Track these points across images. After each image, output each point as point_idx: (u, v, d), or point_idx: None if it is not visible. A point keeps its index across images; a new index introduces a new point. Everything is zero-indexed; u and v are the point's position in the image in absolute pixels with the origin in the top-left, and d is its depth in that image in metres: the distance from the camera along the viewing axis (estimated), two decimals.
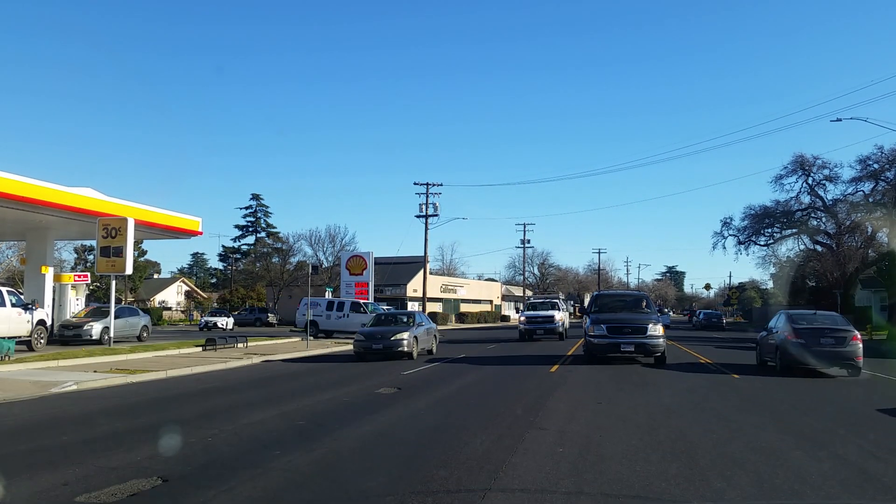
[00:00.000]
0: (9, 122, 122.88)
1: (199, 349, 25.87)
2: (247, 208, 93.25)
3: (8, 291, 22.46)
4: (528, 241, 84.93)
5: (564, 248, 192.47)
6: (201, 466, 7.49)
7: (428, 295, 61.31)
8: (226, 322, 52.46)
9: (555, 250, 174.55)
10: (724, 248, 61.89)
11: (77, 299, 32.00)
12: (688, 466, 7.31)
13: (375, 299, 50.47)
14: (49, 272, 29.37)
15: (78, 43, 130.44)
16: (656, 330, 19.28)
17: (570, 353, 24.90)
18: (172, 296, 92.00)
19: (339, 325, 37.36)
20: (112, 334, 25.69)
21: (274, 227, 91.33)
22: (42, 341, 23.39)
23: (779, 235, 60.29)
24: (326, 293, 41.09)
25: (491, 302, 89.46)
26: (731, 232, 60.87)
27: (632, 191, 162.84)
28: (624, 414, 10.99)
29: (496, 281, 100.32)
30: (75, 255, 67.53)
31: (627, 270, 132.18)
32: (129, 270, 25.29)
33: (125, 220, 24.96)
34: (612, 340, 19.24)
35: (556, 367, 19.42)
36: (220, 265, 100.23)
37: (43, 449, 8.48)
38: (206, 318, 54.16)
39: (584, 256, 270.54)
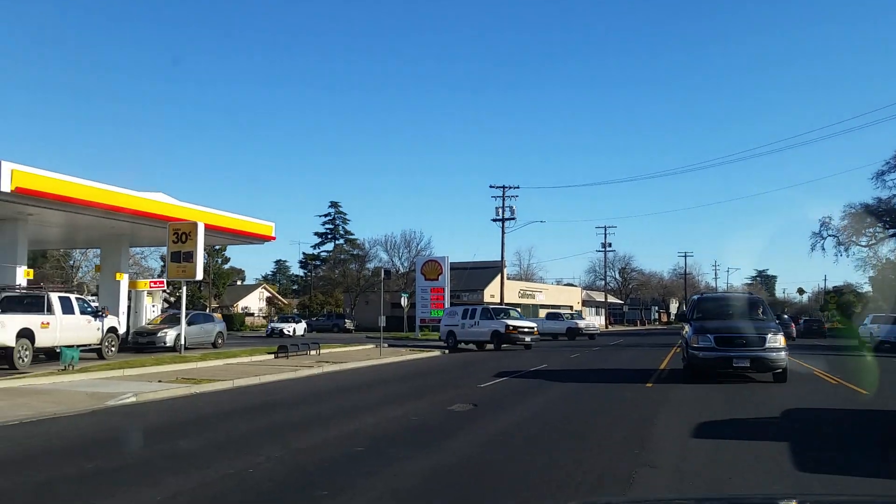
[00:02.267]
0: (86, 126, 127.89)
1: (271, 356, 25.08)
2: (325, 216, 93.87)
3: (77, 299, 22.04)
4: (610, 245, 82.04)
5: (647, 251, 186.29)
6: None
7: (505, 300, 59.52)
8: (293, 328, 51.30)
9: (637, 254, 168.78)
10: (823, 248, 57.89)
11: (153, 306, 31.82)
12: None
13: (451, 304, 49.05)
14: (124, 279, 29.20)
15: (150, 49, 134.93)
16: (776, 341, 16.28)
17: (663, 365, 22.68)
18: (255, 302, 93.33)
19: (469, 334, 33.72)
20: (184, 341, 25.09)
21: (352, 234, 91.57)
22: (113, 349, 22.93)
23: (881, 235, 55.99)
24: (402, 299, 39.85)
25: (571, 308, 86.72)
26: (829, 232, 56.92)
27: (719, 190, 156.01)
28: (753, 446, 8.98)
29: (575, 286, 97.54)
30: (161, 264, 68.82)
31: (715, 274, 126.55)
32: (199, 276, 24.64)
33: (195, 224, 24.34)
34: (722, 354, 16.41)
35: (651, 383, 17.37)
36: (300, 272, 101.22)
37: (56, 480, 7.29)
38: (272, 325, 53.16)
39: (668, 260, 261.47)
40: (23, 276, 22.94)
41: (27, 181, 19.83)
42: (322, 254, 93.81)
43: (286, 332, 49.21)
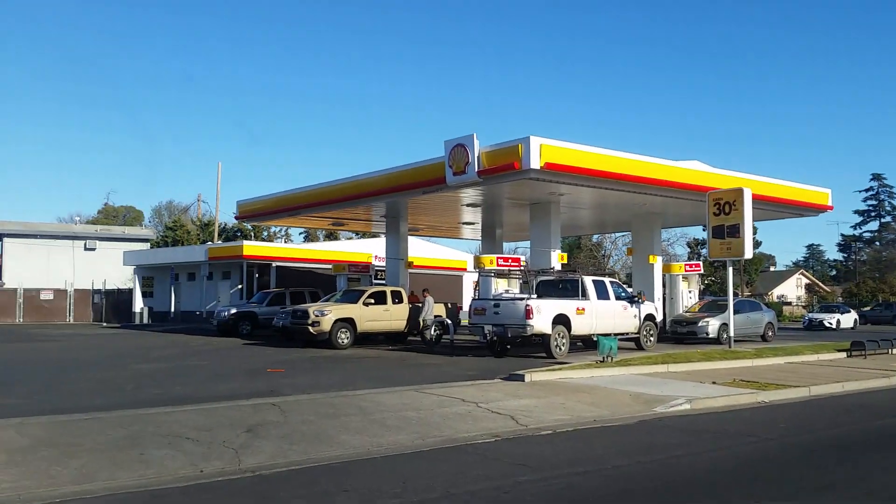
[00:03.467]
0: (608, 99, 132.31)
1: (842, 355, 19.68)
2: (867, 190, 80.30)
3: (611, 282, 19.96)
4: None
5: None
6: None
7: None
8: (836, 319, 41.18)
9: None
10: None
11: (689, 292, 28.71)
12: None
13: None
14: (657, 262, 26.73)
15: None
16: None
17: None
18: (791, 289, 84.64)
19: None
20: (732, 333, 21.15)
21: None
22: (651, 339, 20.34)
23: None
24: None
25: None
26: None
27: None
28: None
29: None
30: (688, 250, 66.37)
31: None
32: (748, 254, 20.29)
33: (740, 191, 20.13)
34: None
35: None
36: (838, 256, 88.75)
37: None
38: (810, 315, 43.74)
39: None
40: (556, 260, 21.94)
41: (555, 155, 18.34)
42: (864, 234, 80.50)
43: (827, 324, 40.30)
